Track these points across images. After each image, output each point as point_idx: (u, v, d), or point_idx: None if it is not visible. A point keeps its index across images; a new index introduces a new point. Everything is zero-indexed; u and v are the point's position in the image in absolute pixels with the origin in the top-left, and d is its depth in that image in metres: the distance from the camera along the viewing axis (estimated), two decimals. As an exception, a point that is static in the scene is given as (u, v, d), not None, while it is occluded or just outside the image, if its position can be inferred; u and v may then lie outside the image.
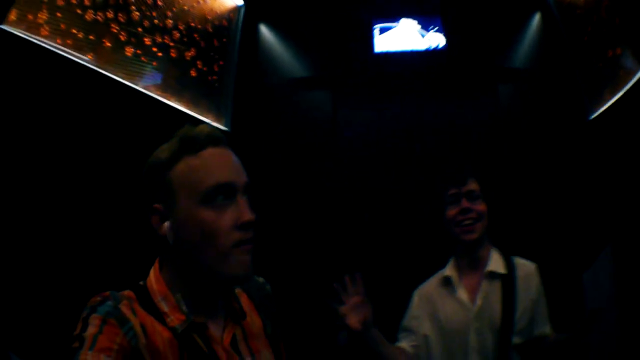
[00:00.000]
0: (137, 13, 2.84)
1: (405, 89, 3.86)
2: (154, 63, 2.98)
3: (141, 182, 0.95)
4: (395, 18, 3.98)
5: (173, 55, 3.16)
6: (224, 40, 3.70)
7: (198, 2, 3.42)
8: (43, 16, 2.26)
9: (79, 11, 2.46)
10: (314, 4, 3.95)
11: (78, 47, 2.46)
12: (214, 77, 3.58)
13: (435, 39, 3.98)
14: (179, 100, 3.18)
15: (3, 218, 1.97)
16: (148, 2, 2.91)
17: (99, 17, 2.58)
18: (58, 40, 2.36)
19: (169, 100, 3.08)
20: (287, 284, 2.38)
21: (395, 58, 3.97)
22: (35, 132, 2.17)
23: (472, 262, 1.72)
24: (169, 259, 0.95)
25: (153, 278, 0.95)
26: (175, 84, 3.13)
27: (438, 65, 3.91)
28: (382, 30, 4.00)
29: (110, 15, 2.66)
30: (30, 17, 2.20)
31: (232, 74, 3.68)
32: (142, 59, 2.88)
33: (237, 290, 1.05)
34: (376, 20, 3.97)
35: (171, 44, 3.14)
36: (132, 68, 2.80)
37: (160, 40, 3.03)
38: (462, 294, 1.70)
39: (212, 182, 0.90)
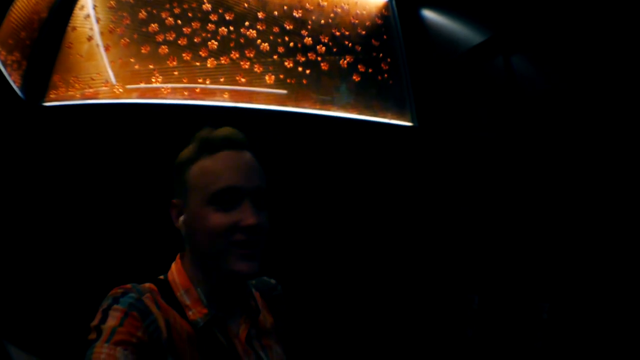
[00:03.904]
0: (266, 44, 2.67)
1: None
2: (304, 81, 2.68)
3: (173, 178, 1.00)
4: None
5: (325, 68, 2.82)
6: (385, 37, 3.23)
7: (335, 13, 3.12)
8: (158, 79, 2.25)
9: (197, 63, 2.41)
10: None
11: (208, 93, 2.35)
12: (385, 76, 3.08)
13: None
14: (347, 107, 2.74)
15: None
16: (275, 30, 2.74)
17: (222, 61, 2.48)
18: (185, 93, 2.29)
19: (332, 111, 2.68)
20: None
21: None
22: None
23: None
24: (188, 252, 0.98)
25: (175, 272, 0.98)
26: (336, 93, 2.73)
27: None
28: None
29: (235, 56, 2.54)
30: (144, 83, 2.21)
31: (404, 68, 3.15)
32: (288, 80, 2.61)
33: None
34: None
35: (319, 58, 2.83)
36: (276, 91, 2.55)
37: (303, 59, 2.76)
38: None
39: (220, 185, 0.92)
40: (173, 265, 1.00)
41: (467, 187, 2.93)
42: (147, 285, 0.94)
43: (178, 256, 1.01)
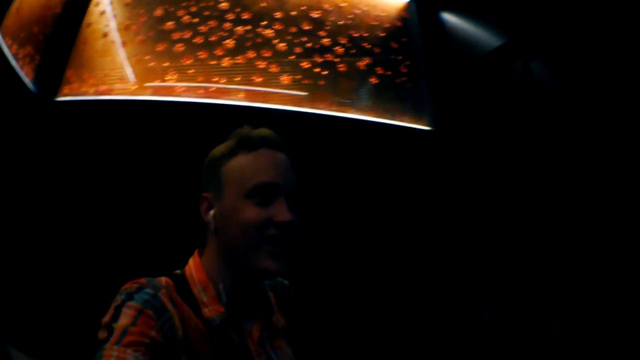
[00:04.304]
0: (283, 44, 2.62)
1: None
2: (321, 82, 2.63)
3: (203, 174, 0.99)
4: None
5: (342, 69, 2.76)
6: (403, 40, 3.17)
7: (354, 15, 3.07)
8: (173, 76, 2.21)
9: (212, 62, 2.37)
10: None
11: (223, 92, 2.30)
12: (404, 79, 3.02)
13: None
14: (363, 109, 2.69)
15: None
16: (292, 30, 2.69)
17: (238, 60, 2.43)
18: (200, 92, 2.25)
19: (347, 112, 2.62)
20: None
21: None
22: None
23: None
24: (211, 248, 0.97)
25: (193, 267, 0.96)
26: (353, 95, 2.68)
27: None
28: None
29: (251, 55, 2.49)
30: (159, 81, 2.17)
31: (423, 71, 3.09)
32: (304, 81, 2.56)
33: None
34: None
35: (336, 59, 2.77)
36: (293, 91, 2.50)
37: (320, 60, 2.71)
38: None
39: (259, 180, 0.93)
40: (191, 261, 0.98)
41: (483, 192, 2.86)
42: (163, 279, 0.92)
43: (196, 252, 0.99)
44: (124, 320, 0.81)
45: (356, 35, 3.00)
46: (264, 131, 0.99)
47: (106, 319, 0.82)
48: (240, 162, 0.95)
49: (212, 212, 0.95)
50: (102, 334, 0.81)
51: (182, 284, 0.93)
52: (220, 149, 0.99)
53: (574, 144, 2.52)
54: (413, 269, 2.66)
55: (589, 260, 2.19)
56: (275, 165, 0.96)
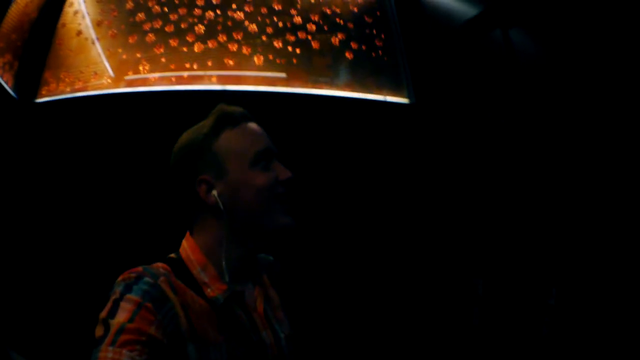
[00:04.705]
0: (254, 25, 2.62)
1: None
2: (295, 60, 2.63)
3: (177, 160, 0.99)
4: None
5: (316, 46, 2.76)
6: (378, 13, 3.16)
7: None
8: (145, 67, 2.23)
9: (184, 49, 2.38)
10: None
11: (196, 78, 2.32)
12: (380, 53, 3.01)
13: None
14: (340, 86, 2.69)
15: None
16: (263, 11, 2.69)
17: (210, 45, 2.44)
18: (173, 80, 2.27)
19: (323, 89, 2.62)
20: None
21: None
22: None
23: None
24: (210, 227, 0.97)
25: (189, 249, 0.96)
26: (328, 72, 2.68)
27: None
28: None
29: (222, 39, 2.50)
30: (132, 73, 2.19)
31: (398, 44, 3.07)
32: (277, 61, 2.56)
33: None
34: None
35: (309, 37, 2.77)
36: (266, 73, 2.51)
37: (293, 38, 2.71)
38: None
39: (257, 148, 0.98)
40: (185, 243, 0.98)
41: (467, 167, 2.85)
42: (160, 265, 0.91)
43: (188, 234, 1.00)
44: (121, 316, 0.79)
45: (328, 12, 3.00)
46: (237, 107, 1.04)
47: (104, 314, 0.81)
48: (233, 136, 0.99)
49: (214, 191, 0.96)
50: (99, 331, 0.80)
51: (180, 268, 0.93)
52: (201, 130, 1.00)
53: (555, 114, 2.51)
54: (400, 249, 2.66)
55: (583, 232, 2.18)
56: (262, 133, 1.03)
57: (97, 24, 2.68)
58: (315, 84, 2.68)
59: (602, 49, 2.23)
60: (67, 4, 2.92)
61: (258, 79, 2.48)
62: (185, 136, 1.02)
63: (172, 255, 0.97)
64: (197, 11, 2.60)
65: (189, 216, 0.99)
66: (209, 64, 2.41)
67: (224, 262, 0.94)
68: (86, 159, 2.44)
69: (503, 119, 2.80)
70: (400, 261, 2.64)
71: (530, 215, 2.47)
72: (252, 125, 1.03)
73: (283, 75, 2.62)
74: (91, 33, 2.69)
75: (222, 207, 0.95)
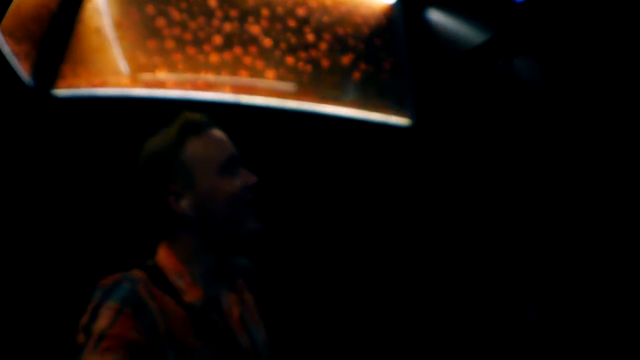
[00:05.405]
0: (268, 40, 2.73)
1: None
2: (305, 78, 2.75)
3: (143, 171, 1.01)
4: None
5: (326, 65, 2.88)
6: (388, 36, 3.28)
7: (339, 12, 3.17)
8: (162, 71, 2.32)
9: (201, 58, 2.48)
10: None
11: (211, 86, 2.42)
12: (387, 75, 3.13)
13: None
14: (345, 103, 2.81)
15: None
16: (278, 27, 2.80)
17: (226, 56, 2.55)
18: (189, 85, 2.37)
19: (329, 105, 2.75)
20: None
21: None
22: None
23: None
24: (183, 235, 0.99)
25: (164, 257, 0.99)
26: (336, 90, 2.80)
27: None
28: None
29: (238, 51, 2.61)
30: (149, 75, 2.29)
31: (406, 68, 3.19)
32: (289, 76, 2.68)
33: None
34: None
35: (320, 55, 2.89)
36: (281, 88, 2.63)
37: (305, 56, 2.82)
38: None
39: (224, 156, 1.01)
40: (161, 251, 1.00)
41: (464, 186, 2.96)
42: (138, 272, 0.93)
43: (162, 241, 1.02)
44: (101, 322, 0.80)
45: (340, 32, 3.11)
46: (199, 115, 1.06)
47: (84, 320, 0.82)
48: (199, 145, 1.00)
49: (183, 201, 0.97)
50: (80, 339, 0.80)
51: (157, 275, 0.94)
52: (165, 139, 1.01)
53: (557, 141, 2.62)
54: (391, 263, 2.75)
55: (574, 251, 2.28)
56: (227, 140, 1.06)
57: (117, 24, 2.77)
58: (322, 100, 2.79)
59: (607, 77, 2.34)
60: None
61: (269, 91, 2.59)
62: (149, 146, 1.02)
63: (149, 262, 0.99)
64: (216, 22, 2.71)
65: (161, 224, 1.00)
66: (224, 73, 2.52)
67: (197, 269, 0.97)
68: (88, 157, 2.50)
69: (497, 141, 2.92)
70: (393, 274, 2.74)
71: (520, 235, 2.56)
72: (217, 132, 1.04)
73: (293, 89, 2.73)
74: (111, 32, 2.78)
75: (192, 216, 0.97)
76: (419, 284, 2.76)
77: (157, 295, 0.89)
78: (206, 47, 2.53)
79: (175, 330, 0.87)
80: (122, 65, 2.63)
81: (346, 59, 3.04)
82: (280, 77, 2.69)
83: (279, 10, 2.82)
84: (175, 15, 2.66)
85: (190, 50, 2.48)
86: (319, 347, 2.54)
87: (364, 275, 2.66)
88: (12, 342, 2.14)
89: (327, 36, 3.04)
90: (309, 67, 2.84)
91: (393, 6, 3.48)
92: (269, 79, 2.64)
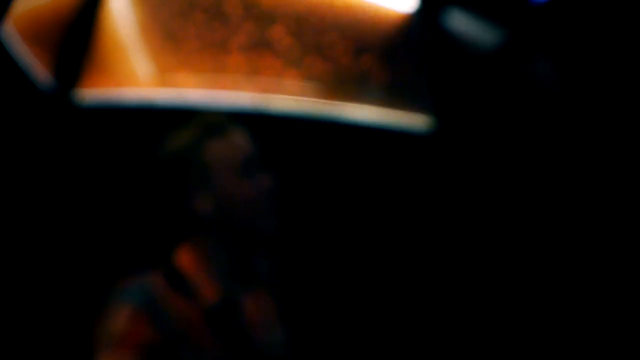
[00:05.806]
0: (289, 41, 2.75)
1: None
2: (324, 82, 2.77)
3: (163, 171, 1.04)
4: None
5: (345, 67, 2.89)
6: (406, 41, 3.29)
7: (358, 17, 3.18)
8: (183, 73, 2.34)
9: (222, 59, 2.50)
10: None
11: (232, 86, 2.44)
12: (406, 78, 3.14)
13: None
14: (364, 106, 2.82)
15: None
16: (298, 29, 2.82)
17: (247, 57, 2.57)
18: (209, 86, 2.38)
19: (348, 107, 2.75)
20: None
21: None
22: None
23: None
24: (201, 236, 1.01)
25: (183, 257, 1.00)
26: (355, 92, 2.80)
27: None
28: None
29: (259, 55, 2.63)
30: (172, 75, 2.30)
31: (424, 71, 3.18)
32: (308, 77, 2.69)
33: None
34: None
35: (340, 57, 2.90)
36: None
37: (325, 57, 2.84)
38: None
39: (245, 157, 1.03)
40: (178, 251, 1.02)
41: (480, 190, 2.92)
42: (154, 273, 0.96)
43: (182, 243, 1.04)
44: (117, 323, 0.83)
45: (360, 35, 3.11)
46: (219, 115, 1.12)
47: (100, 322, 0.85)
48: (219, 146, 1.03)
49: (203, 201, 1.00)
50: (96, 339, 0.84)
51: (174, 275, 0.97)
52: (185, 141, 1.05)
53: (575, 144, 2.60)
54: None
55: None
56: (246, 141, 1.08)
57: (140, 27, 2.78)
58: (342, 101, 2.79)
59: (626, 81, 2.33)
60: (107, 1, 3.03)
61: (290, 90, 2.60)
62: (169, 146, 1.06)
63: (167, 263, 1.01)
64: (237, 24, 2.72)
65: (180, 225, 1.03)
66: (245, 74, 2.54)
67: (216, 270, 0.99)
68: (109, 161, 2.51)
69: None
70: (404, 279, 2.71)
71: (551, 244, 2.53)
72: (237, 133, 1.07)
73: (312, 90, 2.74)
74: (132, 33, 2.79)
75: (211, 217, 1.00)
76: (447, 299, 2.72)
77: (174, 296, 0.91)
78: (228, 48, 2.55)
79: (192, 332, 0.89)
80: (144, 67, 2.64)
81: (365, 62, 3.04)
82: (300, 78, 2.69)
83: (299, 15, 2.84)
84: (199, 17, 2.68)
85: (213, 52, 2.50)
86: (338, 349, 2.52)
87: (386, 284, 2.64)
88: (27, 343, 2.13)
89: (347, 39, 3.05)
90: (329, 69, 2.84)
91: (412, 10, 3.49)
92: (292, 80, 2.65)
